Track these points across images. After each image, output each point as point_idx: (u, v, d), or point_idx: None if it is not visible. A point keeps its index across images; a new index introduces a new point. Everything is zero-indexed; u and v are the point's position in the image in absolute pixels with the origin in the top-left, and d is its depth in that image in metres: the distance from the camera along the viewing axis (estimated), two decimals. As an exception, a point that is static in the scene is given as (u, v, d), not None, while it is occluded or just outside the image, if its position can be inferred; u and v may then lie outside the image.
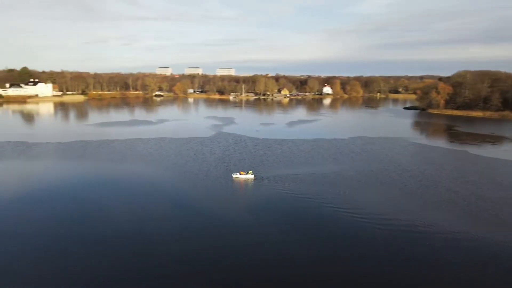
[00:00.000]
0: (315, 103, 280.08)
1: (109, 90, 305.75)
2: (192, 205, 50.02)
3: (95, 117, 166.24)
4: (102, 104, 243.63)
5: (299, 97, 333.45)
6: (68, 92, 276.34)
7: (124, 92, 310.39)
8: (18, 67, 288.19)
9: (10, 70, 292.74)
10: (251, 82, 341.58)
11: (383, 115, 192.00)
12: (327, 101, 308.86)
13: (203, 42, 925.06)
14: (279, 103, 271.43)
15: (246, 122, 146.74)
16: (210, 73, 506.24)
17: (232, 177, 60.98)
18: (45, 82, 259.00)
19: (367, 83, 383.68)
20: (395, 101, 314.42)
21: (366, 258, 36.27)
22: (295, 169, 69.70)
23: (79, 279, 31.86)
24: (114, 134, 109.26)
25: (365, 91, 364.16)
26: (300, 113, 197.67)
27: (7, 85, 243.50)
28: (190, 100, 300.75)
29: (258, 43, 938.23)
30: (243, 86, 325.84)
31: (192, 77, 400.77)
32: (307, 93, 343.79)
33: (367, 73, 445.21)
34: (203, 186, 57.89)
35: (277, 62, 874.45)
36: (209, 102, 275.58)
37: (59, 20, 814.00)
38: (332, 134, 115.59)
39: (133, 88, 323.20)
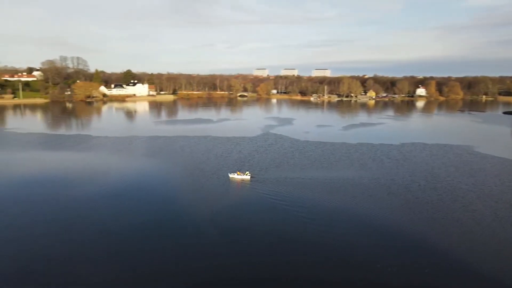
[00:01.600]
0: (403, 106, 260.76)
1: (198, 90, 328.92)
2: (175, 201, 52.35)
3: (167, 114, 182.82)
4: (187, 103, 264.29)
5: (387, 99, 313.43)
6: (161, 92, 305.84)
7: (211, 92, 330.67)
8: (135, 69, 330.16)
9: (127, 72, 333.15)
10: (336, 83, 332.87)
11: (469, 119, 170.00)
12: (418, 103, 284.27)
13: (301, 44, 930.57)
14: (363, 105, 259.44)
15: (303, 124, 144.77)
16: (305, 74, 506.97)
17: (228, 176, 61.84)
18: (143, 83, 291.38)
19: (471, 84, 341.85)
20: (507, 104, 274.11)
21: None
22: (305, 172, 67.61)
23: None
24: (165, 130, 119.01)
25: (467, 93, 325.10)
26: (372, 116, 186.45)
27: (112, 85, 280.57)
28: (273, 100, 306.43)
29: (358, 43, 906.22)
30: (325, 87, 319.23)
31: (283, 78, 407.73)
32: (396, 95, 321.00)
33: (471, 73, 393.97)
34: (199, 184, 59.67)
35: (377, 63, 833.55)
36: (290, 103, 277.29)
37: (173, 27, 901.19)
38: (383, 139, 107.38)
39: (220, 89, 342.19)
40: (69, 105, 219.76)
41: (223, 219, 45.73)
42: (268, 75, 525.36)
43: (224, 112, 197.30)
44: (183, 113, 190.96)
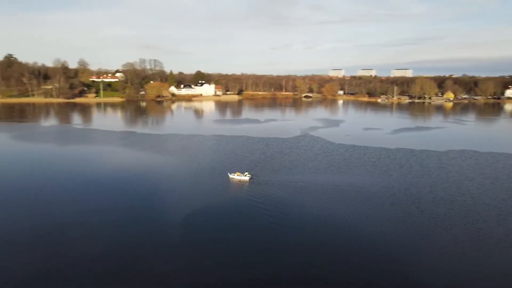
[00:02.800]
0: (485, 109, 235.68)
1: (264, 91, 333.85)
2: (173, 199, 54.09)
3: (219, 113, 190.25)
4: (250, 103, 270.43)
5: (466, 101, 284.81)
6: (227, 92, 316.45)
7: (276, 93, 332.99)
8: (212, 70, 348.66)
9: (199, 73, 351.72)
10: (409, 83, 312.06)
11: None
12: (507, 106, 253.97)
13: (382, 43, 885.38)
14: (437, 108, 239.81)
15: (350, 126, 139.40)
16: (383, 74, 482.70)
17: (228, 176, 62.58)
18: (210, 83, 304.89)
19: None
20: None
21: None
22: (314, 176, 65.58)
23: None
24: (204, 129, 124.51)
25: None
26: (437, 119, 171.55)
27: (182, 86, 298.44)
28: (338, 102, 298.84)
29: (448, 40, 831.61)
30: (395, 88, 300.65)
31: (356, 78, 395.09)
32: (478, 97, 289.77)
33: None
34: (199, 182, 60.60)
35: (467, 61, 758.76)
36: (354, 105, 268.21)
37: (252, 29, 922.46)
38: (429, 144, 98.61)
39: (285, 90, 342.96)
40: (142, 104, 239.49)
41: (203, 218, 46.40)
42: (343, 75, 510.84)
43: (277, 113, 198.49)
44: (235, 113, 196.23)
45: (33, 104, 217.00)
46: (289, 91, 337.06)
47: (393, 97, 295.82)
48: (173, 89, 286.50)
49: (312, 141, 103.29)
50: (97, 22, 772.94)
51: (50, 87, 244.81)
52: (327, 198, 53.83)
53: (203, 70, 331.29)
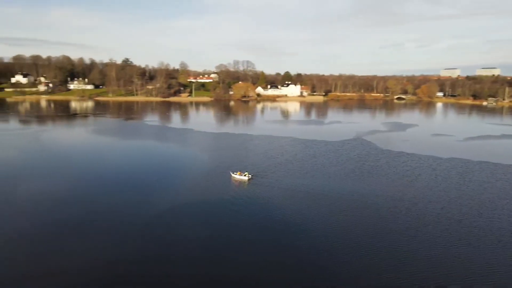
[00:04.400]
0: None
1: (353, 92, 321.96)
2: (171, 191, 58.59)
3: (291, 114, 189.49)
4: (334, 104, 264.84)
5: None
6: (313, 93, 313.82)
7: (363, 94, 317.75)
8: (313, 71, 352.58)
9: (299, 75, 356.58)
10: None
11: None
12: None
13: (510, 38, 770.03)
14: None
15: (417, 132, 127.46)
16: (510, 74, 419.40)
17: (230, 175, 64.54)
18: (295, 84, 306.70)
19: None
20: None
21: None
22: (322, 181, 63.59)
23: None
24: (257, 128, 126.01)
25: None
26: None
27: (268, 86, 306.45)
28: (436, 104, 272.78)
29: None
30: (506, 89, 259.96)
31: (472, 79, 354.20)
32: None
33: None
34: (205, 180, 63.36)
35: None
36: (455, 108, 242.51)
37: (359, 27, 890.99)
38: (498, 156, 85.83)
39: (376, 91, 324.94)
40: (231, 103, 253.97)
41: (197, 215, 49.22)
42: (458, 76, 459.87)
43: (350, 114, 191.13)
44: (306, 114, 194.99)
45: (136, 102, 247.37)
46: (379, 93, 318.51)
47: (504, 99, 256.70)
48: (259, 89, 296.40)
49: (357, 145, 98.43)
50: (207, 27, 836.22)
51: (151, 87, 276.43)
52: (322, 207, 51.67)
53: (302, 72, 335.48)
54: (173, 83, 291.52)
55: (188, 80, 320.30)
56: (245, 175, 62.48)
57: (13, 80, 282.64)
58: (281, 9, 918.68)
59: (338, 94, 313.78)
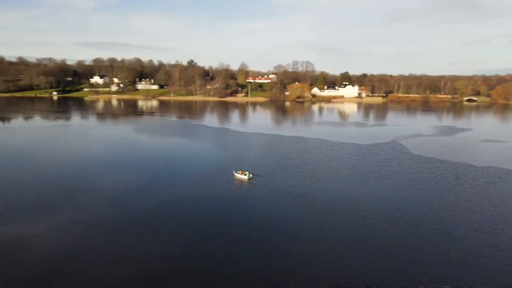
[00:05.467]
0: None
1: (417, 93, 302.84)
2: (175, 187, 62.42)
3: (338, 116, 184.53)
4: (393, 106, 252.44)
5: None
6: (371, 94, 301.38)
7: (427, 95, 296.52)
8: (377, 72, 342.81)
9: (363, 75, 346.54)
10: None
11: None
12: None
13: None
14: None
15: (466, 137, 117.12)
16: None
17: (233, 173, 66.40)
18: (353, 85, 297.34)
19: None
20: None
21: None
22: (323, 185, 62.89)
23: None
24: (293, 130, 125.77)
25: None
26: None
27: (325, 87, 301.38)
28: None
29: None
30: None
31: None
32: None
33: None
34: (210, 178, 66.34)
35: None
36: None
37: (442, 23, 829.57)
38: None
39: (443, 92, 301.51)
40: (287, 103, 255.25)
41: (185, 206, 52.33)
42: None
43: (401, 117, 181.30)
44: (353, 116, 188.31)
45: (195, 102, 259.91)
46: (447, 94, 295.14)
47: None
48: (315, 90, 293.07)
49: (387, 149, 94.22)
50: (274, 28, 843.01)
51: (210, 87, 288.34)
52: (312, 209, 51.62)
53: (369, 72, 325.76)
54: (231, 84, 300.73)
55: (247, 80, 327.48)
56: (245, 174, 64.13)
57: (92, 80, 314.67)
58: (351, 8, 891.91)
59: (399, 95, 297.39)
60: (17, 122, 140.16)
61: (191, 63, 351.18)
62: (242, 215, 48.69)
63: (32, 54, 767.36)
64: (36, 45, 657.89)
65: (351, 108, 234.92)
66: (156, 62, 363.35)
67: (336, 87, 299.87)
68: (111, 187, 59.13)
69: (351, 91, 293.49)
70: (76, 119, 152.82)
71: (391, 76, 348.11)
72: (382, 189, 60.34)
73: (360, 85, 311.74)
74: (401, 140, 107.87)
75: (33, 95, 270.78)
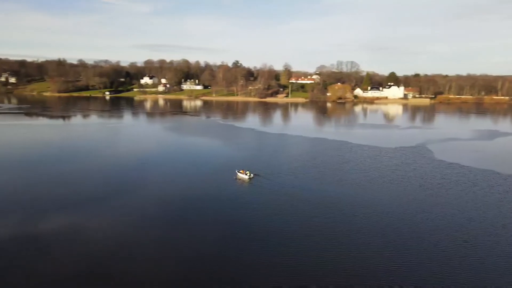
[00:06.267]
0: None
1: (471, 94, 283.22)
2: (181, 184, 65.31)
3: (382, 118, 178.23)
4: (442, 108, 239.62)
5: None
6: (418, 95, 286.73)
7: (481, 97, 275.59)
8: (431, 72, 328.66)
9: (416, 75, 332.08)
10: None
11: None
12: None
13: None
14: None
15: (505, 143, 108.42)
16: None
17: (235, 172, 67.70)
18: (398, 85, 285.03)
19: None
20: None
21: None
22: (321, 187, 62.33)
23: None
24: (324, 132, 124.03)
25: None
26: None
27: (369, 88, 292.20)
28: None
29: None
30: None
31: None
32: None
33: None
34: (215, 176, 68.27)
35: None
36: None
37: (509, 19, 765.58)
38: None
39: (501, 93, 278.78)
40: (328, 104, 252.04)
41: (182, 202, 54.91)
42: None
43: (444, 120, 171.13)
44: (392, 118, 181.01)
45: (236, 102, 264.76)
46: (504, 95, 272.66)
47: None
48: (358, 91, 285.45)
49: (409, 153, 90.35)
50: (327, 28, 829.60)
51: (252, 88, 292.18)
52: (306, 212, 51.72)
53: (421, 71, 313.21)
54: (272, 84, 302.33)
55: (290, 81, 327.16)
56: (246, 174, 65.34)
57: (142, 81, 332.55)
58: (408, 6, 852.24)
59: (449, 96, 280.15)
60: (76, 119, 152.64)
61: (236, 64, 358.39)
62: (231, 213, 50.01)
63: (91, 56, 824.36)
64: (96, 48, 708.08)
65: (392, 110, 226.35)
66: (202, 63, 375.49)
67: (381, 88, 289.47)
68: (149, 183, 63.26)
69: (396, 92, 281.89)
70: (125, 117, 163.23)
71: (444, 76, 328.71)
72: (382, 194, 58.54)
73: (407, 86, 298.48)
74: (430, 143, 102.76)
75: (88, 95, 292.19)
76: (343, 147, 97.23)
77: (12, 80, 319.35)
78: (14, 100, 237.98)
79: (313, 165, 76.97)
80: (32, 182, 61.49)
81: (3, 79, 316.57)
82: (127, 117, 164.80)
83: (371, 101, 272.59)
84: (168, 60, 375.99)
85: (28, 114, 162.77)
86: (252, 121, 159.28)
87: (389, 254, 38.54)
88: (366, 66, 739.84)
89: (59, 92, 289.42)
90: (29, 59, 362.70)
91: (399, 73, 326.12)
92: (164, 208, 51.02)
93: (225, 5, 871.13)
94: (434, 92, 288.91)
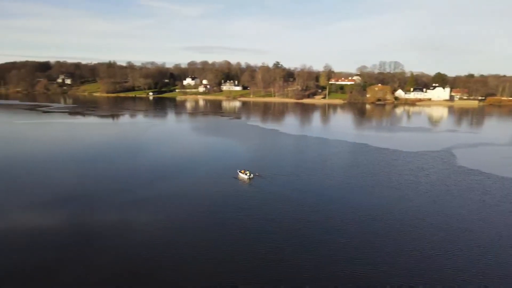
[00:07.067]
0: None
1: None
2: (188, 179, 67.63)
3: (417, 121, 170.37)
4: (492, 110, 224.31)
5: None
6: (466, 97, 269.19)
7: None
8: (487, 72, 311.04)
9: (470, 76, 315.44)
10: None
11: None
12: None
13: None
14: None
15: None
16: None
17: (237, 172, 68.59)
18: (444, 86, 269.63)
19: None
20: None
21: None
22: (320, 190, 61.81)
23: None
24: (347, 134, 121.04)
25: None
26: None
27: (411, 89, 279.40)
28: None
29: None
30: None
31: None
32: None
33: None
34: (220, 175, 69.07)
35: None
36: None
37: None
38: None
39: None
40: (367, 106, 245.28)
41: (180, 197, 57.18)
42: None
43: (488, 124, 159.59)
44: (428, 121, 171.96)
45: (273, 103, 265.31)
46: None
47: None
48: (399, 92, 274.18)
49: (430, 157, 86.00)
50: (380, 27, 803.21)
51: (290, 89, 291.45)
52: (299, 216, 52.00)
53: (476, 72, 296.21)
54: (310, 85, 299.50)
55: (329, 82, 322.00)
56: (246, 174, 66.30)
57: (184, 82, 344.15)
58: (463, 2, 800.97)
59: (502, 98, 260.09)
60: (124, 118, 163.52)
61: (276, 65, 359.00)
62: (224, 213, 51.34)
63: (140, 58, 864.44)
64: (145, 50, 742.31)
65: (434, 112, 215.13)
66: (243, 64, 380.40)
67: (424, 89, 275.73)
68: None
69: (441, 93, 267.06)
70: (162, 117, 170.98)
71: (498, 77, 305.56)
72: (381, 198, 56.83)
73: (455, 87, 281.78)
74: (457, 148, 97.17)
75: (133, 95, 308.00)
76: (360, 150, 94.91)
77: (68, 81, 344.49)
78: (69, 100, 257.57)
79: (320, 167, 76.20)
80: (79, 179, 66.41)
81: (59, 80, 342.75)
82: (164, 117, 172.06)
83: (412, 103, 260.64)
84: (210, 61, 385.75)
85: (81, 113, 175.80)
86: (278, 122, 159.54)
87: (370, 258, 37.78)
88: (413, 67, 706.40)
89: (107, 92, 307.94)
90: (83, 62, 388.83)
91: (451, 73, 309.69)
92: (159, 205, 53.57)
93: (271, 6, 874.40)
94: (485, 94, 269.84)
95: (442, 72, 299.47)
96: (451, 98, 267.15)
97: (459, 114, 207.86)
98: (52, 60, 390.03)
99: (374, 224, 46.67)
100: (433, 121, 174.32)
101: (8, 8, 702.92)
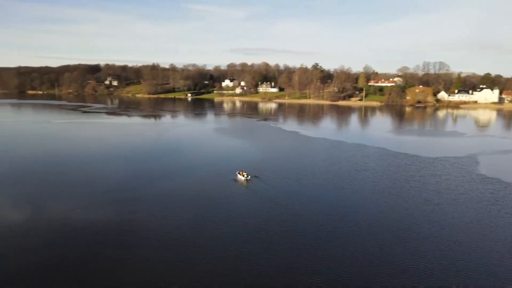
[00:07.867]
0: None
1: None
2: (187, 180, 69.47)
3: (454, 125, 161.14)
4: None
5: None
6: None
7: None
8: None
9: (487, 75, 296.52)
10: None
11: None
12: None
13: None
14: None
15: None
16: None
17: (236, 173, 68.91)
18: (492, 88, 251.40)
19: None
20: None
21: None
22: (316, 188, 60.99)
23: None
24: (364, 139, 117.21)
25: None
26: None
27: (456, 91, 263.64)
28: None
29: None
30: None
31: None
32: None
33: None
34: (222, 175, 69.57)
35: None
36: None
37: None
38: None
39: None
40: (407, 109, 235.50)
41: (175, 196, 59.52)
42: None
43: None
44: (473, 125, 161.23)
45: (308, 105, 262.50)
46: None
47: None
48: (442, 94, 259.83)
49: (449, 164, 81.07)
50: (433, 25, 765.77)
51: (326, 90, 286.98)
52: (294, 219, 52.20)
53: (485, 73, 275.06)
54: (347, 87, 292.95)
55: (368, 84, 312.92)
56: (243, 175, 66.83)
57: (223, 84, 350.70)
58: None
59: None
60: (164, 118, 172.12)
61: (315, 66, 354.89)
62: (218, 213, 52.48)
63: (184, 61, 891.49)
64: (189, 52, 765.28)
65: (478, 116, 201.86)
66: (282, 66, 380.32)
67: (470, 91, 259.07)
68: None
69: (488, 95, 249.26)
70: (195, 118, 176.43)
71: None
72: (379, 205, 54.95)
73: (506, 89, 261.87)
74: (483, 155, 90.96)
75: (173, 96, 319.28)
76: (375, 154, 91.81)
77: (115, 83, 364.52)
78: (114, 101, 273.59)
79: (326, 170, 74.97)
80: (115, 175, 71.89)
81: (107, 82, 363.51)
82: (192, 118, 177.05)
83: (456, 105, 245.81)
84: (250, 63, 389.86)
85: (117, 113, 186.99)
86: (303, 124, 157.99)
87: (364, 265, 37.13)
88: (461, 67, 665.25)
89: (149, 93, 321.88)
90: (129, 64, 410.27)
91: (506, 74, 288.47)
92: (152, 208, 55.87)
93: (315, 7, 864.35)
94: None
95: (496, 73, 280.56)
96: (501, 100, 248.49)
97: (506, 117, 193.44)
98: (102, 63, 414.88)
99: (359, 229, 45.36)
100: (472, 125, 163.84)
101: (66, 13, 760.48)
